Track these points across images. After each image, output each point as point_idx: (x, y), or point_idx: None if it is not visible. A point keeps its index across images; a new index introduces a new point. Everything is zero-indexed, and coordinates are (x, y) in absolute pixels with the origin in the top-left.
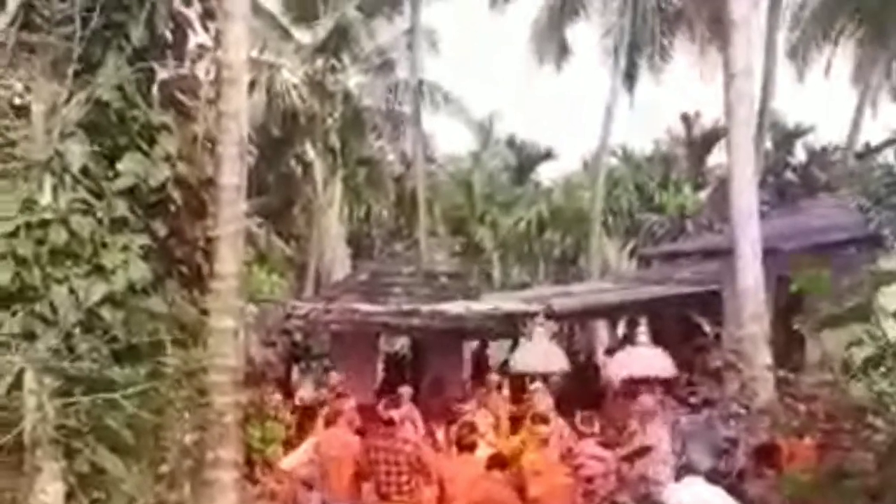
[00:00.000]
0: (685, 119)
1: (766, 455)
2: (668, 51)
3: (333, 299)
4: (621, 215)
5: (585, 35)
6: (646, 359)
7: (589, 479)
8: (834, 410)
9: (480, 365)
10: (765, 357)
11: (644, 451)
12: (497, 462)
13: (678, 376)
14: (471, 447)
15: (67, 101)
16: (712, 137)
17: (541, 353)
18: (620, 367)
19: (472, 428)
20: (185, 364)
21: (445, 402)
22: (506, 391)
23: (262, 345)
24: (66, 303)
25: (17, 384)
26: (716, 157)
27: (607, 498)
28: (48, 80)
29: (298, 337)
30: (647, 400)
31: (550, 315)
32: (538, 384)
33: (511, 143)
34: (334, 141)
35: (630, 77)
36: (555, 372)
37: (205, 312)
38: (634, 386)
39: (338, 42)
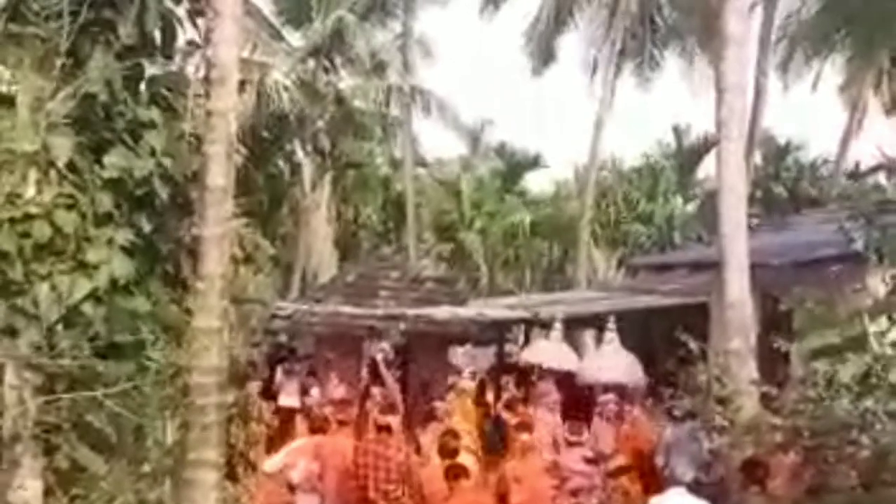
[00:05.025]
0: (675, 131)
1: (750, 470)
2: (658, 62)
3: (319, 301)
4: (609, 225)
5: (576, 46)
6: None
7: (574, 493)
8: (818, 426)
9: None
10: (750, 371)
11: (629, 468)
12: (457, 472)
13: (641, 386)
14: (453, 453)
15: (54, 95)
16: (701, 149)
17: (556, 351)
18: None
19: (455, 434)
20: (168, 363)
21: (430, 407)
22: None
23: (246, 345)
24: (49, 299)
25: None
26: (704, 169)
27: None
28: (35, 73)
29: (283, 338)
30: (545, 386)
31: (535, 322)
32: (549, 384)
33: (501, 150)
34: (324, 142)
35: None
36: (566, 370)
37: (188, 311)
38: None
39: (331, 44)
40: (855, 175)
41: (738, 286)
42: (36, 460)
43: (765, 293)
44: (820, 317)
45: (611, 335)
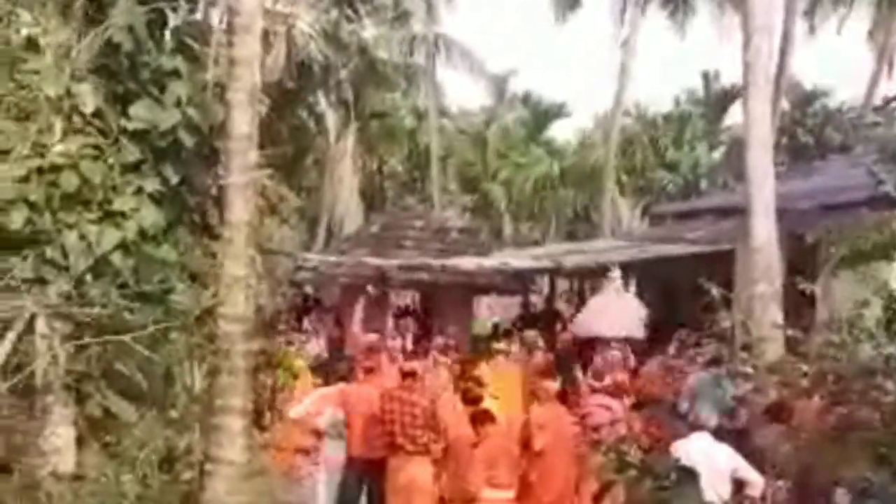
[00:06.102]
0: (705, 77)
1: (775, 414)
2: (693, 7)
3: (344, 252)
4: (634, 173)
5: None
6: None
7: (596, 428)
8: (842, 371)
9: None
10: (775, 316)
11: (652, 399)
12: (483, 418)
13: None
14: (476, 400)
15: (78, 41)
16: (729, 97)
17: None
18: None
19: (479, 381)
20: (194, 310)
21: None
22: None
23: (272, 295)
24: (77, 248)
25: (30, 329)
26: (731, 116)
27: (613, 447)
28: (58, 20)
29: (309, 289)
30: None
31: (560, 272)
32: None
33: (526, 99)
34: (347, 93)
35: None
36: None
37: (214, 257)
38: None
39: None
40: (882, 107)
41: (764, 231)
42: (67, 408)
43: (791, 235)
44: (848, 231)
45: (615, 284)
